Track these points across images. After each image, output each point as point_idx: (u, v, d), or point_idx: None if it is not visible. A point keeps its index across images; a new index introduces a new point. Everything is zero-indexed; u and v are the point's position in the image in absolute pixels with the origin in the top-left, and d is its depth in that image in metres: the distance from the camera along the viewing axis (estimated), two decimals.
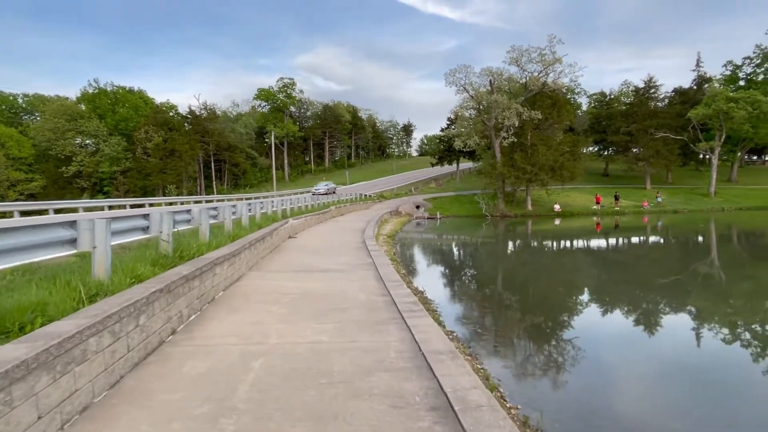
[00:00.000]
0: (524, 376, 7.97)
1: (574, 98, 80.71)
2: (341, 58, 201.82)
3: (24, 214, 21.17)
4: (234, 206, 14.09)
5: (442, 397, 4.03)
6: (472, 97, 49.96)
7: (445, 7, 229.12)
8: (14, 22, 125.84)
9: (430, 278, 17.53)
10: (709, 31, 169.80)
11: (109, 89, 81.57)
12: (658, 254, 26.03)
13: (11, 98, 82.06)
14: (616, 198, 52.49)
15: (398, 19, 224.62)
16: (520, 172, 46.33)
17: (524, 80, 50.76)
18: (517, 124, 46.10)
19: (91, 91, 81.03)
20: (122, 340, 4.54)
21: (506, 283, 17.28)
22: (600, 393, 7.40)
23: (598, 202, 51.40)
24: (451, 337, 8.49)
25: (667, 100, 69.51)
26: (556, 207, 48.79)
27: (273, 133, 72.56)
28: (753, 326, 11.49)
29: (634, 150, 65.54)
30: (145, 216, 7.82)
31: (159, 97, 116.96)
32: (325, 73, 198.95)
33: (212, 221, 12.01)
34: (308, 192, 45.70)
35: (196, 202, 38.86)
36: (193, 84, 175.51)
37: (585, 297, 15.17)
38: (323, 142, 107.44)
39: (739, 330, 11.11)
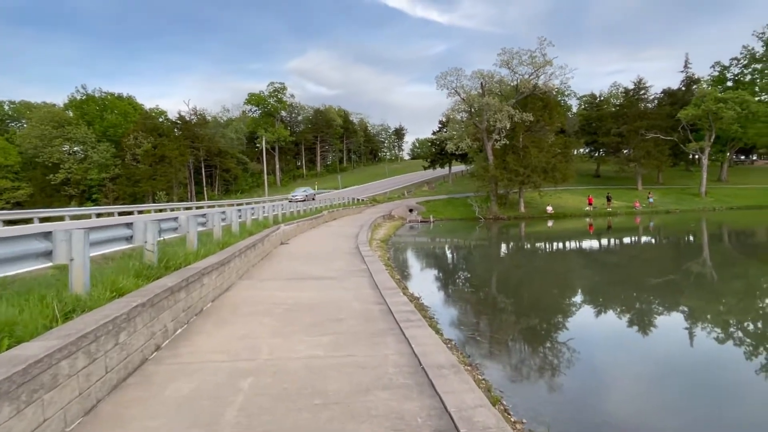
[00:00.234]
0: (525, 384, 7.70)
1: (564, 100, 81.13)
2: (332, 62, 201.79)
3: (8, 223, 20.62)
4: (223, 213, 13.73)
5: (446, 418, 3.73)
6: (463, 99, 49.89)
7: (434, 11, 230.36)
8: None
9: (426, 283, 17.23)
10: (696, 33, 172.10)
11: (97, 95, 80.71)
12: (654, 255, 25.96)
13: None
14: (609, 199, 52.61)
15: (388, 24, 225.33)
16: (512, 174, 46.26)
17: (515, 83, 50.81)
18: (508, 126, 46.08)
19: (78, 97, 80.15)
20: (99, 361, 4.19)
21: (502, 287, 17.04)
22: (606, 399, 7.16)
23: (590, 204, 51.47)
24: (449, 345, 8.20)
25: (656, 102, 70.02)
26: (549, 209, 48.77)
27: (264, 138, 72.02)
28: (748, 326, 11.39)
29: (625, 151, 65.88)
30: (129, 225, 7.47)
31: (148, 103, 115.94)
32: (316, 78, 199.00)
33: (201, 229, 11.66)
34: (285, 199, 42.58)
35: (187, 208, 38.35)
36: (183, 89, 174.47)
37: (581, 299, 14.96)
38: (315, 146, 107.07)
39: (740, 330, 10.96)
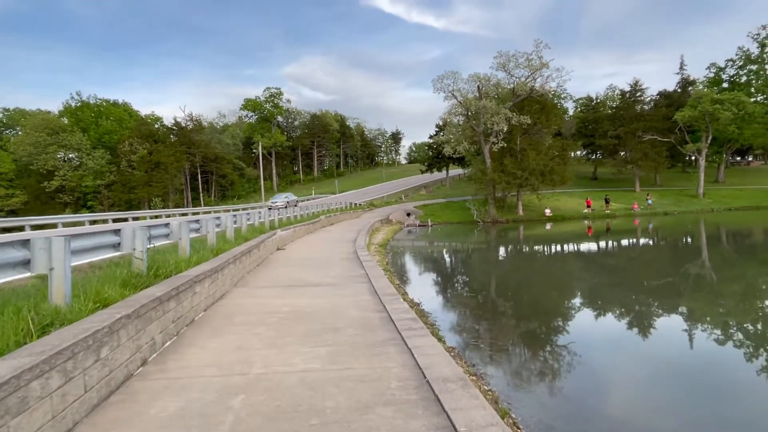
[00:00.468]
0: (532, 393, 7.37)
1: (560, 103, 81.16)
2: (327, 67, 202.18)
3: None
4: (218, 218, 13.40)
5: None
6: (460, 103, 49.76)
7: (430, 17, 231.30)
8: None
9: (425, 288, 16.92)
10: (689, 35, 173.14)
11: (92, 102, 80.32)
12: (655, 257, 25.71)
13: None
14: (607, 201, 52.48)
15: (384, 29, 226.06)
16: (510, 177, 46.09)
17: (512, 85, 50.75)
18: (505, 129, 45.93)
19: (73, 104, 79.74)
20: (77, 379, 3.85)
21: (502, 291, 16.74)
22: (614, 406, 6.85)
23: (588, 206, 51.30)
24: (453, 353, 7.87)
25: (652, 103, 70.08)
26: (547, 211, 48.58)
27: (260, 144, 71.75)
28: (751, 328, 11.25)
29: (622, 153, 65.87)
30: (116, 231, 7.14)
31: (144, 109, 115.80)
32: (312, 83, 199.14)
33: (194, 235, 11.33)
34: (265, 206, 38.78)
35: (183, 214, 37.95)
36: (179, 96, 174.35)
37: (583, 303, 14.66)
38: (311, 151, 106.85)
39: (742, 332, 10.69)
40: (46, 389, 3.44)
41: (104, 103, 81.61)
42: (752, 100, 59.33)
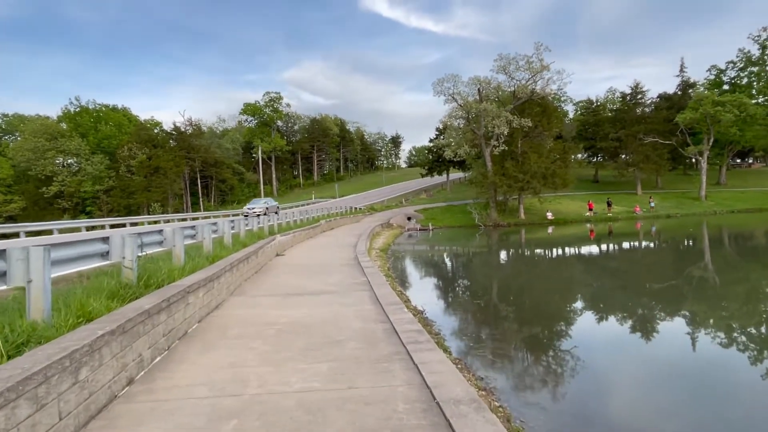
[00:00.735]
0: (543, 407, 6.96)
1: (560, 106, 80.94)
2: (327, 72, 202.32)
3: None
4: (215, 224, 13.03)
5: None
6: (460, 106, 49.48)
7: (429, 21, 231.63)
8: None
9: (429, 295, 16.53)
10: (687, 38, 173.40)
11: (91, 107, 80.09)
12: (664, 261, 25.31)
13: None
14: (609, 204, 52.11)
15: (383, 33, 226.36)
16: (511, 180, 45.74)
17: (512, 88, 50.47)
18: (506, 132, 45.62)
19: (72, 109, 79.51)
20: (50, 406, 3.47)
21: (507, 297, 16.34)
22: (630, 420, 6.45)
23: (590, 209, 50.93)
24: (460, 366, 7.49)
25: (653, 106, 69.83)
26: (549, 215, 48.19)
27: (260, 148, 71.43)
28: (756, 333, 11.14)
29: (623, 156, 65.56)
30: (105, 239, 6.77)
31: (143, 114, 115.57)
32: (312, 88, 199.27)
33: (190, 241, 10.97)
34: (240, 215, 35.55)
35: (181, 219, 37.58)
36: (179, 101, 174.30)
37: (592, 308, 14.26)
38: (311, 155, 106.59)
39: (749, 337, 10.34)
40: (12, 420, 3.06)
41: (103, 108, 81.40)
42: (753, 101, 59.07)
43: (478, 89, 49.76)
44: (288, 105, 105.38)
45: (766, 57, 61.69)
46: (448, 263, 26.87)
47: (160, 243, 8.92)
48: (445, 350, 8.11)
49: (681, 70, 74.73)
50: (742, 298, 15.11)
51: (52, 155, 68.92)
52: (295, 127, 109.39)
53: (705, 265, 22.43)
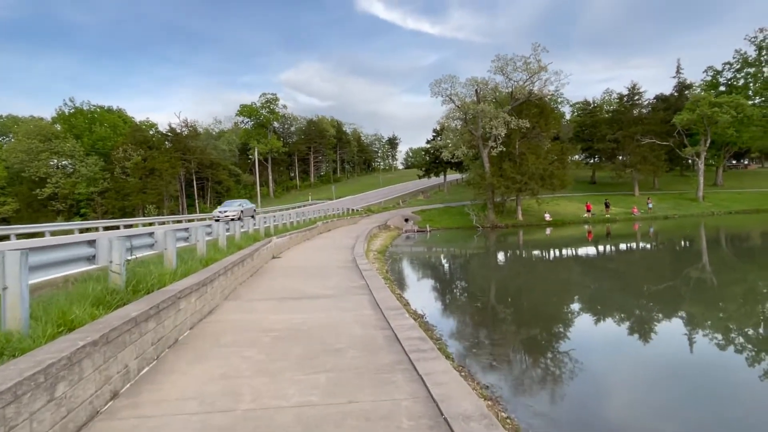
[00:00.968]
0: (554, 420, 6.67)
1: (557, 107, 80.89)
2: (324, 74, 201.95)
3: None
4: (209, 226, 12.70)
5: None
6: (458, 107, 49.26)
7: (425, 23, 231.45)
8: None
9: (429, 298, 16.24)
10: (683, 40, 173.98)
11: (85, 108, 79.49)
12: (664, 262, 25.10)
13: None
14: (607, 205, 51.95)
15: (379, 35, 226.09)
16: (509, 181, 45.50)
17: (510, 89, 50.27)
18: (504, 133, 45.41)
19: (67, 110, 78.89)
20: (21, 427, 3.15)
21: (508, 300, 16.05)
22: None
23: (588, 210, 50.76)
24: (464, 374, 7.18)
25: (650, 107, 69.83)
26: (547, 216, 47.99)
27: (256, 150, 71.01)
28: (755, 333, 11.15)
29: (621, 157, 65.47)
30: (91, 242, 6.45)
31: (140, 116, 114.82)
32: (309, 90, 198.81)
33: (183, 244, 10.65)
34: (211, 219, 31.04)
35: (176, 221, 37.18)
36: (175, 102, 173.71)
37: (594, 311, 13.99)
38: (308, 157, 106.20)
39: (745, 337, 10.15)
40: None
41: (98, 110, 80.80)
42: (750, 103, 59.13)
43: (476, 90, 49.55)
44: (284, 106, 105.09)
45: (762, 58, 61.81)
46: (447, 265, 26.60)
47: (151, 246, 8.60)
48: (448, 356, 7.81)
49: (677, 72, 74.79)
50: (741, 300, 15.01)
51: (46, 157, 68.30)
52: (292, 129, 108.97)
53: (703, 266, 22.24)
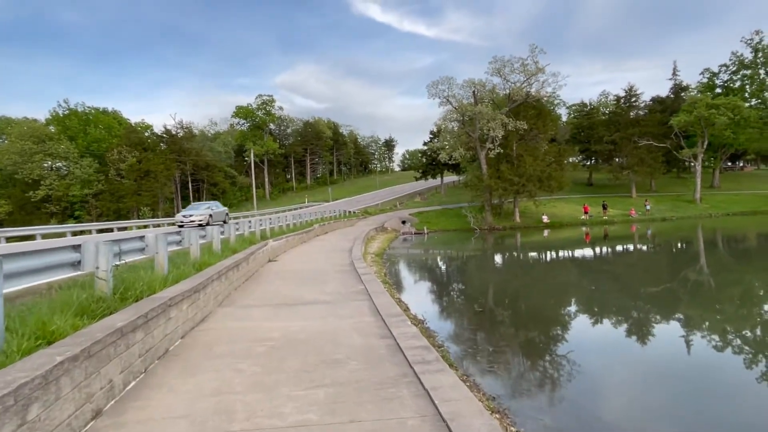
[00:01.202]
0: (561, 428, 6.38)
1: (553, 109, 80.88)
2: (320, 76, 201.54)
3: None
4: (203, 229, 12.35)
5: None
6: (455, 108, 49.07)
7: (421, 26, 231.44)
8: None
9: (428, 303, 15.93)
10: (678, 43, 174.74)
11: (80, 110, 78.85)
12: (667, 265, 24.90)
13: None
14: (604, 207, 51.85)
15: (376, 37, 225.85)
16: (507, 183, 45.30)
17: (507, 91, 50.13)
18: (501, 135, 45.23)
19: (61, 112, 78.25)
20: None
21: (510, 304, 15.76)
22: None
23: (586, 212, 50.62)
24: (469, 383, 6.86)
25: (647, 109, 69.87)
26: (545, 218, 47.80)
27: (252, 151, 70.56)
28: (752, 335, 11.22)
29: (618, 159, 65.41)
30: (76, 247, 6.11)
31: (134, 118, 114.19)
32: (305, 92, 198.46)
33: (176, 248, 10.31)
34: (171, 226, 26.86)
35: (171, 224, 36.72)
36: (170, 104, 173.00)
37: (598, 315, 13.71)
38: (304, 159, 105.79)
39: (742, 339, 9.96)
40: None
41: (93, 111, 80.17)
42: (746, 105, 59.20)
43: (473, 92, 49.38)
44: (281, 108, 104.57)
45: (758, 60, 61.93)
46: (446, 268, 26.30)
47: (142, 250, 8.25)
48: (451, 365, 7.48)
49: (674, 74, 74.98)
50: (738, 302, 14.98)
51: (39, 159, 67.58)
52: (288, 131, 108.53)
53: (701, 268, 22.06)
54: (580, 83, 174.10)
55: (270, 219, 23.68)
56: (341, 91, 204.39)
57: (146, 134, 79.70)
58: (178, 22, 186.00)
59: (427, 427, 3.79)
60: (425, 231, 44.47)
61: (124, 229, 31.97)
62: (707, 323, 12.62)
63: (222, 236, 13.87)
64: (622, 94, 69.56)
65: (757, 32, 61.29)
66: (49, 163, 70.16)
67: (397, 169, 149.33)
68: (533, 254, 30.80)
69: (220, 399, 4.47)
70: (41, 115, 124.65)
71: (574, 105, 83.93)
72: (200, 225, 20.54)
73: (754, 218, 50.09)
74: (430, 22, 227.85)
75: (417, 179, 76.45)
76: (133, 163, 67.95)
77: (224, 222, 22.37)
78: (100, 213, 66.37)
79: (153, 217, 59.05)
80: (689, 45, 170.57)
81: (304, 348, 6.12)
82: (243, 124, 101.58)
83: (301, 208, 60.00)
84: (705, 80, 67.70)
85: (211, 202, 27.46)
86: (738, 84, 64.40)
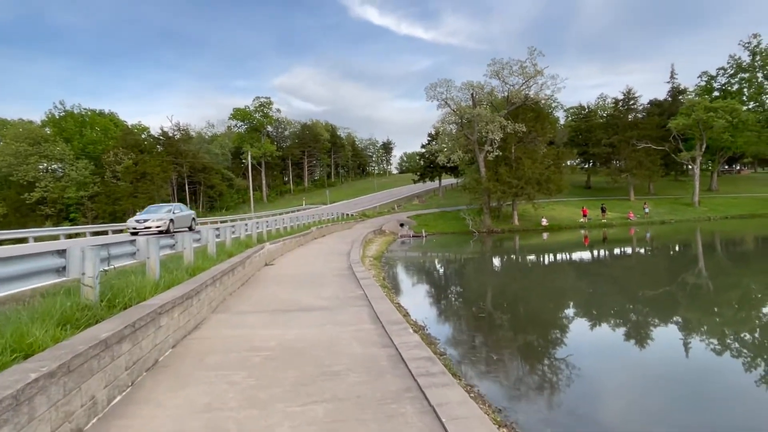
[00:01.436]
0: None
1: (551, 112, 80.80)
2: (318, 78, 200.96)
3: None
4: (198, 232, 12.03)
5: None
6: (453, 111, 48.89)
7: (419, 29, 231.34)
8: None
9: (428, 308, 15.64)
10: (674, 47, 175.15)
11: (76, 111, 78.33)
12: (663, 268, 24.67)
13: None
14: (603, 210, 51.67)
15: (373, 40, 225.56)
16: (505, 186, 45.08)
17: (506, 93, 50.00)
18: (500, 137, 45.04)
19: (57, 114, 77.73)
20: None
21: (511, 309, 15.47)
22: None
23: (585, 215, 50.44)
24: (473, 394, 6.57)
25: (645, 112, 69.88)
26: (544, 221, 47.58)
27: (250, 154, 70.17)
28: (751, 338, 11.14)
29: (616, 162, 65.31)
30: (61, 252, 5.80)
31: (131, 120, 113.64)
32: (303, 94, 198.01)
33: (169, 252, 10.00)
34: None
35: (118, 231, 36.22)
36: (168, 106, 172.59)
37: (602, 320, 13.44)
38: (302, 161, 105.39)
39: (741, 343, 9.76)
40: None
41: (89, 113, 79.66)
42: (744, 108, 59.27)
43: (472, 94, 49.21)
44: (278, 110, 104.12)
45: (756, 63, 62.01)
46: (445, 272, 26.01)
47: (133, 254, 7.93)
48: (454, 374, 7.19)
49: (671, 77, 75.13)
50: (736, 306, 14.87)
51: (34, 160, 67.02)
52: (286, 133, 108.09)
53: (700, 271, 21.85)
54: (577, 86, 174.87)
55: (267, 222, 23.36)
56: (339, 94, 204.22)
57: (143, 136, 79.24)
58: (175, 24, 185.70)
59: None
60: (423, 234, 44.19)
61: (120, 231, 31.51)
62: (707, 327, 12.63)
63: (218, 239, 13.55)
64: (620, 97, 69.54)
65: (755, 35, 61.51)
66: (45, 164, 69.61)
67: (394, 171, 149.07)
68: (532, 257, 30.54)
69: (211, 416, 4.16)
70: (38, 116, 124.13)
71: (571, 108, 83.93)
72: (159, 232, 17.30)
73: (752, 221, 50.01)
74: (427, 25, 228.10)
75: (415, 182, 76.20)
76: (129, 165, 67.50)
77: (190, 228, 19.31)
78: (96, 215, 65.85)
79: None
80: (686, 48, 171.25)
81: (301, 358, 5.81)
82: (240, 126, 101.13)
83: (298, 210, 59.67)
84: (703, 83, 67.81)
85: (175, 204, 21.68)
86: (736, 87, 64.51)
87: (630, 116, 66.83)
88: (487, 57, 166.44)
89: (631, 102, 68.63)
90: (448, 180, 75.47)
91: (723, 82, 65.96)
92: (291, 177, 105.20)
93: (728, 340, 11.03)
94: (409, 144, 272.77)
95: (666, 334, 11.91)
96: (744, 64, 62.98)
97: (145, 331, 5.52)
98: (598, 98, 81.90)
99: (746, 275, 21.05)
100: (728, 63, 64.26)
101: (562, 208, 53.95)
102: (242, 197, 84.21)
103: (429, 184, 76.06)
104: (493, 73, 48.78)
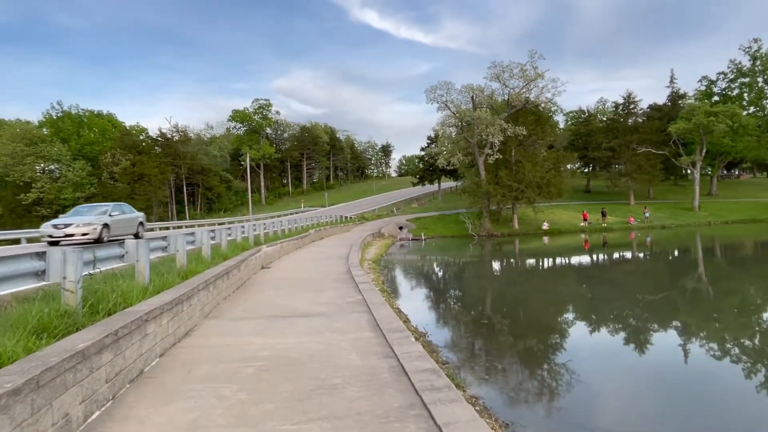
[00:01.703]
0: None
1: (550, 116, 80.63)
2: (317, 81, 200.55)
3: None
4: (192, 234, 11.68)
5: None
6: (453, 114, 48.60)
7: (418, 33, 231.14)
8: None
9: (429, 313, 15.27)
10: (673, 52, 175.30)
11: (74, 112, 77.94)
12: (664, 273, 24.34)
13: None
14: (603, 214, 51.36)
15: (372, 44, 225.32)
16: (505, 189, 44.76)
17: (506, 96, 49.75)
18: (500, 140, 44.76)
19: (54, 114, 77.33)
20: None
21: (512, 314, 15.11)
22: None
23: (585, 219, 50.14)
24: (479, 407, 6.20)
25: (645, 116, 69.76)
26: (545, 225, 47.26)
27: (248, 156, 69.82)
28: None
29: (616, 166, 65.11)
30: (40, 255, 5.44)
31: (131, 121, 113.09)
32: (302, 97, 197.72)
33: (161, 254, 9.63)
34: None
35: (162, 228, 35.93)
36: (166, 108, 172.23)
37: (604, 326, 13.09)
38: (301, 163, 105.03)
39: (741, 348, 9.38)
40: None
41: (86, 114, 79.26)
42: (744, 112, 59.16)
43: (472, 97, 48.94)
44: (277, 112, 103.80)
45: (756, 68, 61.94)
46: (445, 276, 25.64)
47: (121, 257, 7.58)
48: (458, 385, 6.83)
49: (671, 81, 75.02)
50: (736, 310, 14.60)
51: (31, 161, 66.60)
52: (285, 135, 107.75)
53: (700, 276, 21.53)
54: (575, 91, 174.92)
55: (264, 224, 23.00)
56: (338, 97, 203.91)
57: (141, 137, 78.84)
58: (174, 27, 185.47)
59: None
60: (423, 237, 43.83)
61: None
62: (707, 332, 12.49)
63: (213, 242, 13.19)
64: (621, 101, 69.42)
65: (756, 40, 61.46)
66: (42, 165, 69.16)
67: (394, 174, 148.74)
68: (532, 261, 30.20)
69: None
70: (35, 117, 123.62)
71: (571, 112, 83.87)
72: (88, 242, 12.25)
73: (752, 226, 49.78)
74: (427, 30, 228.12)
75: (414, 185, 75.90)
76: (126, 167, 67.10)
77: (136, 235, 14.93)
78: None
79: (147, 221, 58.01)
80: (686, 54, 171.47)
81: (296, 370, 5.44)
82: (239, 128, 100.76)
83: (297, 213, 59.30)
84: (703, 88, 67.71)
85: (113, 204, 16.10)
86: (736, 92, 64.42)
87: (630, 120, 66.69)
88: (486, 61, 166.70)
89: (631, 106, 68.51)
90: (447, 183, 75.20)
91: (723, 87, 65.89)
92: (290, 179, 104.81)
93: (728, 345, 10.92)
94: (408, 147, 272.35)
95: (676, 340, 11.64)
96: (744, 68, 62.91)
97: (130, 339, 5.15)
98: (598, 102, 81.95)
99: (746, 280, 20.74)
100: (728, 68, 64.26)
101: (562, 212, 53.65)
102: (241, 199, 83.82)
103: (428, 187, 75.76)
104: (493, 76, 48.56)
